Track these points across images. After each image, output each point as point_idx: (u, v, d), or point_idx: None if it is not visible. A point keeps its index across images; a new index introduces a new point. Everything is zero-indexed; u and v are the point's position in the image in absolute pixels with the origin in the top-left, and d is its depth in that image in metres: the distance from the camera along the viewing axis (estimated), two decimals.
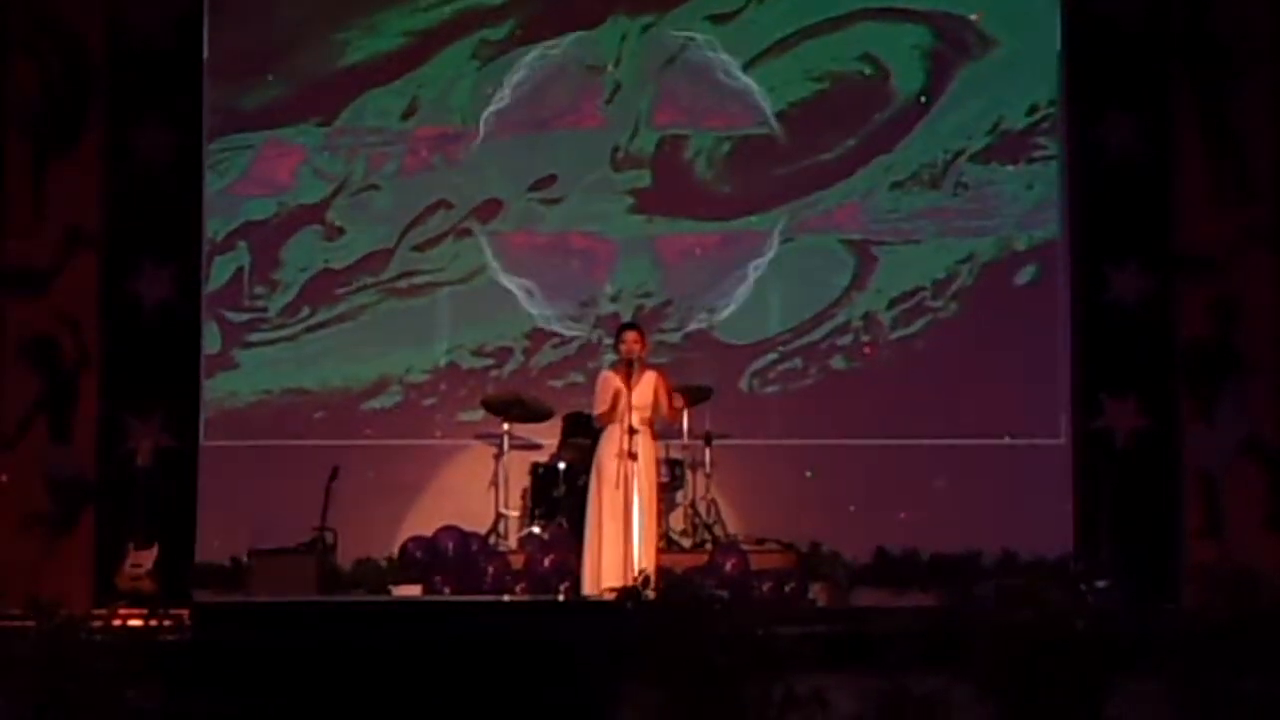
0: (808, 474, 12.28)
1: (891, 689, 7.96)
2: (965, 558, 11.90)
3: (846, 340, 12.56)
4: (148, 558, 11.33)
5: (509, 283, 12.60)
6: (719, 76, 12.70)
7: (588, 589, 10.34)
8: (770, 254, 12.62)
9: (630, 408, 10.37)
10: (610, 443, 10.44)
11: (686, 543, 11.62)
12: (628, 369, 10.49)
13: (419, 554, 11.55)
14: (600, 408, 10.50)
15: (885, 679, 7.99)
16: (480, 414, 12.10)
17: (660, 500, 10.86)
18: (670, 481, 11.45)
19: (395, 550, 11.77)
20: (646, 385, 10.52)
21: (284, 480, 12.03)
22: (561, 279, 12.64)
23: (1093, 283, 12.43)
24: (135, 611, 9.54)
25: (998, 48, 12.67)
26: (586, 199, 12.68)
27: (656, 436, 10.78)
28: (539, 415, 12.01)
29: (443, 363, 12.64)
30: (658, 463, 10.83)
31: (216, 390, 12.60)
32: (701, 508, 11.77)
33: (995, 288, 12.58)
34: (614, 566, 10.19)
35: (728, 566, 11.10)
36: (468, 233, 12.65)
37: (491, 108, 12.70)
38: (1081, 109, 12.53)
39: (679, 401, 10.87)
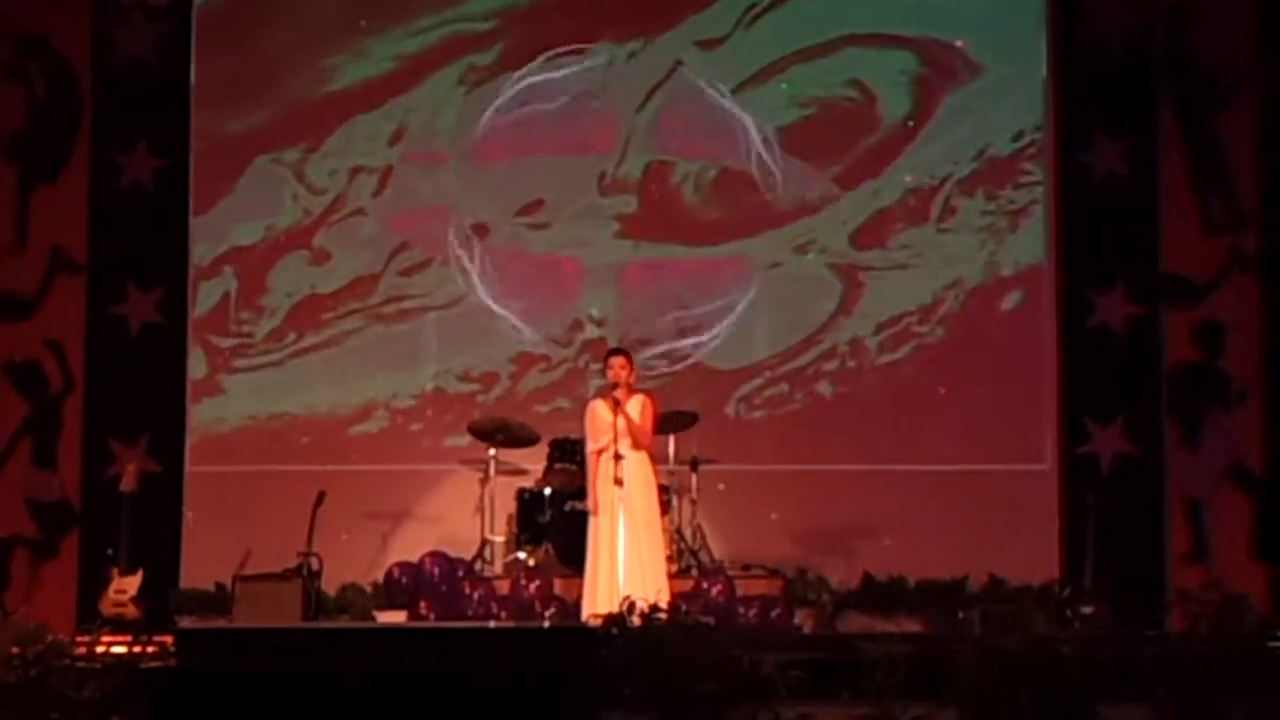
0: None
1: (878, 715, 7.96)
2: (951, 583, 11.90)
3: (833, 366, 12.56)
4: (132, 583, 11.28)
5: (495, 307, 12.60)
6: (706, 102, 12.71)
7: (584, 615, 10.32)
8: (757, 279, 12.63)
9: (617, 434, 10.36)
10: (597, 469, 10.44)
11: (672, 568, 11.57)
12: (615, 395, 10.49)
13: (404, 580, 11.52)
14: (595, 444, 10.49)
15: (872, 705, 7.99)
16: (466, 439, 12.07)
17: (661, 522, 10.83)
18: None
19: (380, 576, 11.74)
20: (634, 410, 10.51)
21: (269, 506, 12.00)
22: (548, 303, 12.64)
23: (1079, 308, 12.45)
24: (119, 637, 9.52)
25: (984, 74, 12.70)
26: (573, 224, 12.68)
27: (655, 460, 10.77)
28: (525, 440, 11.98)
29: (429, 388, 12.62)
30: (657, 486, 10.78)
31: (202, 415, 12.57)
32: (687, 533, 11.76)
33: (981, 313, 12.59)
34: (606, 593, 10.16)
35: (714, 592, 11.08)
36: (454, 258, 12.65)
37: (479, 133, 12.71)
38: (1067, 135, 12.56)
39: (648, 429, 10.70)
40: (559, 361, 12.60)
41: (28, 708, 7.94)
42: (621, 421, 10.37)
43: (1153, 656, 8.31)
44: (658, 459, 11.22)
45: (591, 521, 10.47)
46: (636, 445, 10.47)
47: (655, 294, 12.64)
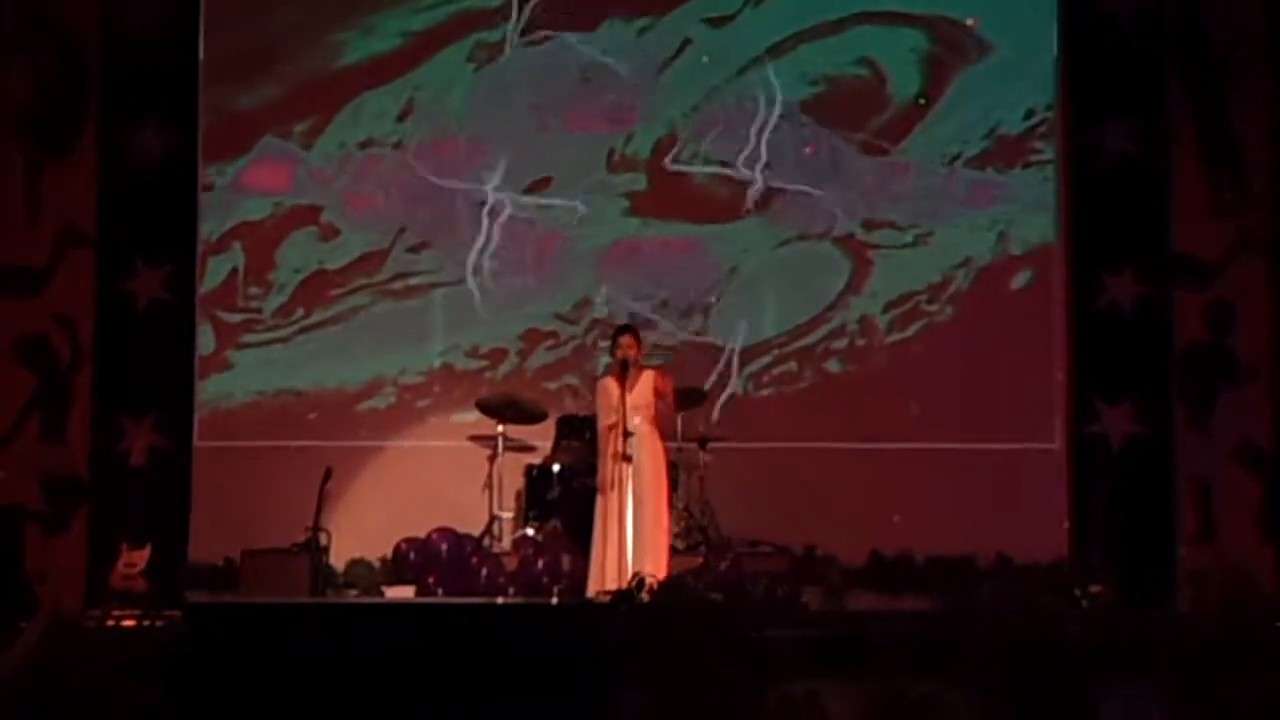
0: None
1: (886, 693, 7.96)
2: (960, 562, 11.89)
3: (842, 344, 12.56)
4: (141, 558, 11.30)
5: (503, 284, 12.59)
6: (715, 79, 12.69)
7: (590, 591, 10.33)
8: (766, 257, 12.61)
9: (626, 411, 10.36)
10: (607, 446, 10.44)
11: (681, 545, 11.58)
12: (623, 372, 10.49)
13: (412, 555, 11.52)
14: (605, 420, 10.49)
15: (880, 683, 7.99)
16: (474, 415, 12.07)
17: (668, 500, 10.82)
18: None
19: (388, 551, 11.75)
20: (644, 386, 10.51)
21: (277, 481, 12.01)
22: (556, 280, 12.63)
23: (1089, 288, 12.42)
24: (128, 612, 9.54)
25: (994, 52, 12.67)
26: (582, 201, 12.66)
27: (664, 436, 10.76)
28: (533, 417, 11.99)
29: (437, 364, 12.62)
30: (665, 464, 10.76)
31: (210, 391, 12.57)
32: (696, 510, 11.76)
33: (991, 292, 12.57)
34: (612, 569, 10.17)
35: (722, 569, 11.07)
36: (463, 234, 12.63)
37: (487, 110, 12.68)
38: (1078, 114, 12.53)
39: (670, 399, 10.80)
40: (567, 338, 12.59)
41: (37, 683, 7.95)
42: (634, 398, 10.37)
43: (1161, 637, 8.30)
44: (665, 436, 11.22)
45: (599, 499, 10.49)
46: (653, 420, 10.45)
47: (664, 271, 12.63)
